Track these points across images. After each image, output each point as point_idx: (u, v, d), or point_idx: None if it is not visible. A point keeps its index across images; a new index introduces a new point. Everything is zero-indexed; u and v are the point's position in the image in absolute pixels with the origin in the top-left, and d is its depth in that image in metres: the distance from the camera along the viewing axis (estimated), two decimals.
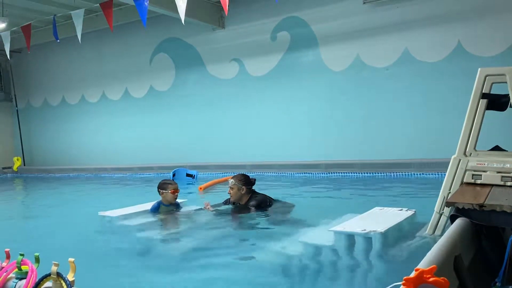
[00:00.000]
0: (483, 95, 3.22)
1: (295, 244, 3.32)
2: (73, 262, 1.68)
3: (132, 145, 11.68)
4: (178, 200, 5.07)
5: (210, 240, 3.74)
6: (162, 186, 4.80)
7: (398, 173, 7.64)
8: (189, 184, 8.20)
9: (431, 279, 1.17)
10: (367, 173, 7.94)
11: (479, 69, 3.22)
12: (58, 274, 1.66)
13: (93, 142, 12.55)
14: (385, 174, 7.72)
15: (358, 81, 8.49)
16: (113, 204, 5.68)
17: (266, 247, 3.34)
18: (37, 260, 1.83)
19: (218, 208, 4.89)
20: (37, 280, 1.72)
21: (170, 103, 10.98)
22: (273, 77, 9.46)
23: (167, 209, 4.81)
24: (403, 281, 1.22)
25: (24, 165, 13.99)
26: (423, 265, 1.58)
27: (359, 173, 8.04)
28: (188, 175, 8.89)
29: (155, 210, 4.78)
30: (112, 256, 3.38)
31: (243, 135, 9.90)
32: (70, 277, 1.66)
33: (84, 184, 9.89)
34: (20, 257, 1.82)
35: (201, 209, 4.85)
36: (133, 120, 11.68)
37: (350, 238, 3.07)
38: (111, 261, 3.25)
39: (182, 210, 4.94)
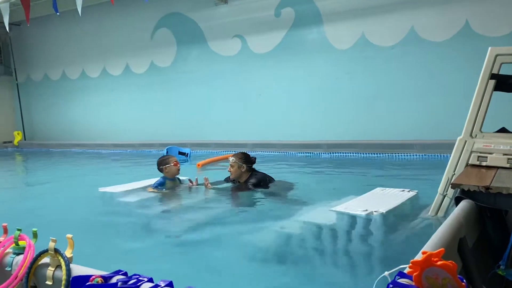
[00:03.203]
0: (492, 76, 3.14)
1: (294, 223, 3.31)
2: (71, 238, 1.65)
3: (133, 121, 11.63)
4: (181, 177, 5.09)
5: (209, 217, 3.73)
6: (163, 162, 4.82)
7: (400, 154, 7.61)
8: (182, 162, 8.14)
9: (439, 263, 1.13)
10: (369, 153, 7.91)
11: (489, 48, 3.12)
12: (56, 250, 1.63)
13: (93, 117, 12.50)
14: (387, 154, 7.69)
15: (362, 60, 8.37)
16: (113, 180, 5.68)
17: (264, 226, 3.32)
18: (34, 235, 1.80)
19: (217, 186, 4.89)
20: (34, 255, 1.69)
21: (171, 79, 10.87)
22: (276, 55, 9.32)
23: (171, 183, 4.83)
24: (410, 264, 1.18)
25: (25, 139, 13.98)
26: (429, 247, 1.55)
27: (361, 153, 8.01)
28: (180, 153, 8.81)
29: (161, 185, 4.79)
30: (111, 232, 3.38)
31: (245, 113, 9.84)
32: (68, 253, 1.64)
33: (85, 159, 9.88)
34: (18, 232, 1.80)
35: (201, 184, 4.83)
36: (134, 96, 11.59)
37: (352, 218, 3.06)
38: (110, 237, 3.24)
39: (182, 187, 4.94)
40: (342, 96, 8.62)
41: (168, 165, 4.77)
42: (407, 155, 7.54)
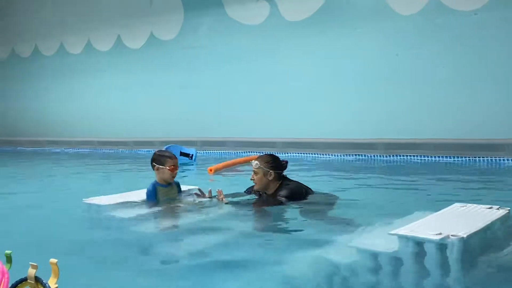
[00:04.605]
0: None
1: (340, 250, 3.30)
2: (56, 264, 1.70)
3: (126, 113, 11.83)
4: (187, 187, 5.14)
5: (225, 241, 3.76)
6: (157, 159, 4.82)
7: (486, 158, 7.51)
8: (185, 165, 8.21)
9: None
10: (441, 156, 7.85)
11: None
12: (37, 279, 1.69)
13: (75, 107, 12.77)
14: (467, 158, 7.62)
15: (434, 30, 8.28)
16: (101, 188, 5.79)
17: (299, 253, 3.33)
18: (9, 259, 1.86)
19: (236, 199, 4.92)
20: (10, 286, 1.75)
21: (177, 57, 11.01)
22: (316, 23, 9.32)
23: (165, 191, 4.86)
24: None
25: None
26: None
27: (430, 156, 7.96)
28: (183, 154, 8.89)
29: (152, 195, 4.82)
30: (101, 257, 3.46)
31: (273, 102, 9.87)
32: (51, 283, 1.69)
33: (64, 161, 10.10)
34: None
35: (214, 197, 4.88)
36: (127, 79, 11.79)
37: (420, 244, 3.03)
38: (100, 262, 3.33)
39: (187, 199, 4.99)
40: (405, 80, 8.55)
41: (162, 167, 4.79)
42: (495, 160, 7.44)
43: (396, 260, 3.05)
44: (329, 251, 3.32)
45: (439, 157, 7.91)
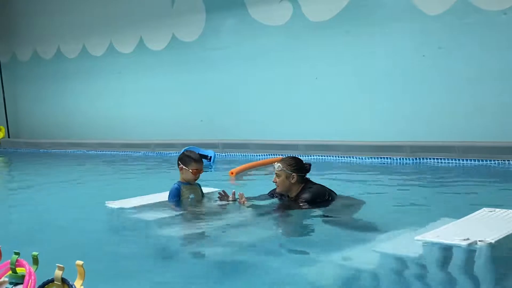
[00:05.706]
0: None
1: (365, 256, 3.31)
2: (82, 266, 1.75)
3: (148, 114, 11.93)
4: (209, 189, 5.22)
5: (246, 245, 3.78)
6: (183, 159, 5.01)
7: None
8: (204, 168, 8.23)
9: None
10: (470, 160, 7.74)
11: None
12: (63, 281, 1.74)
13: (97, 109, 12.92)
14: (497, 162, 7.50)
15: (462, 30, 8.19)
16: (123, 191, 5.88)
17: (322, 259, 3.34)
18: (35, 261, 1.92)
19: (258, 202, 4.94)
20: (36, 286, 1.81)
21: (199, 58, 11.06)
22: (340, 24, 9.29)
23: (189, 188, 5.00)
24: None
25: (9, 137, 14.67)
26: None
27: (459, 159, 7.86)
28: (201, 156, 8.92)
29: (175, 194, 4.93)
30: (126, 259, 3.52)
31: (296, 103, 9.86)
32: (78, 284, 1.74)
33: (86, 164, 10.23)
34: (15, 257, 1.92)
35: (236, 200, 4.92)
36: (149, 81, 11.89)
37: (447, 250, 3.04)
38: (125, 265, 3.39)
39: (209, 202, 5.07)
40: (432, 80, 8.48)
41: (185, 168, 4.93)
42: None
43: (422, 266, 3.05)
44: (354, 256, 3.32)
45: (467, 160, 7.81)
